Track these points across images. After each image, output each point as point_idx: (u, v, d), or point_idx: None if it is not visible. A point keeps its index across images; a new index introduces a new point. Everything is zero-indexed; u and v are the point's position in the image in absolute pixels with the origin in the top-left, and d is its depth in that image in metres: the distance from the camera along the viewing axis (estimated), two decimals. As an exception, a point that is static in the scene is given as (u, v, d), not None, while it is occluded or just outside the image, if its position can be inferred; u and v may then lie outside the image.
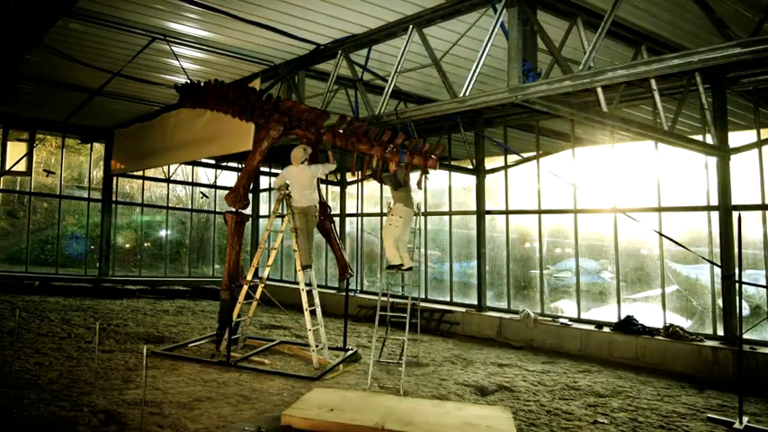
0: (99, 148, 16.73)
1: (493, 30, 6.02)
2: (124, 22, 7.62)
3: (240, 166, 17.60)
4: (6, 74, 9.99)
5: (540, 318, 10.41)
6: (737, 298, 7.10)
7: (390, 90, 7.30)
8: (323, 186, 15.01)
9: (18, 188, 18.25)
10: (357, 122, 7.58)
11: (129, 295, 14.56)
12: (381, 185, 7.50)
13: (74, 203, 18.70)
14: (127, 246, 20.21)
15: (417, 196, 7.72)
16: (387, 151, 7.06)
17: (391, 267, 7.76)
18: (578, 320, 10.13)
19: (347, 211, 15.36)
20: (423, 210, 13.13)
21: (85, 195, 17.72)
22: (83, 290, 14.27)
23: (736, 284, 7.21)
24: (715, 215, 8.74)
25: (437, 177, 12.82)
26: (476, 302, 11.54)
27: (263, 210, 18.46)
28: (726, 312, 8.26)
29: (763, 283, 8.76)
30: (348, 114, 8.58)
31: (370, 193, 14.69)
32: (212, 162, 17.91)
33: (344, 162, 13.83)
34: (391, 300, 8.44)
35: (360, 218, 14.82)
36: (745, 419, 6.10)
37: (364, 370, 7.80)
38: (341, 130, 7.45)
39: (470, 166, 11.87)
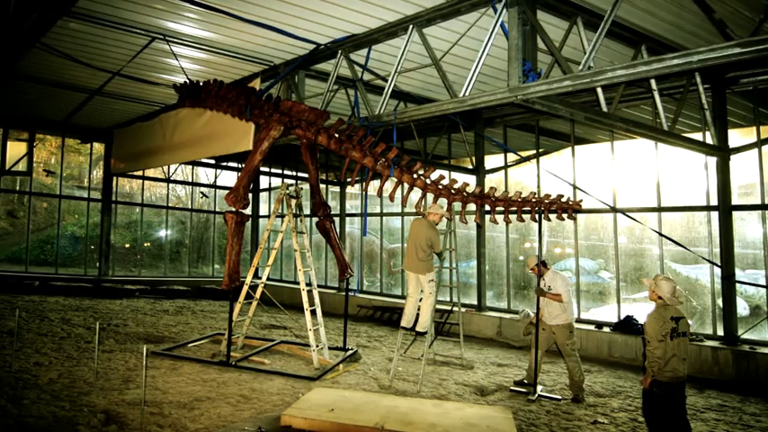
0: (99, 148, 16.73)
1: (493, 30, 6.02)
2: (124, 22, 7.62)
3: (240, 166, 17.62)
4: (6, 74, 9.99)
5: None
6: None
7: (390, 90, 7.29)
8: (323, 186, 15.02)
9: (18, 188, 18.29)
10: (354, 128, 7.56)
11: (128, 295, 14.56)
12: (381, 190, 7.45)
13: (74, 203, 18.73)
14: (127, 245, 20.23)
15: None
16: (378, 163, 7.06)
17: None
18: (578, 320, 10.11)
19: (347, 211, 15.38)
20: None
21: (85, 195, 17.75)
22: (83, 290, 14.26)
23: (736, 284, 7.22)
24: (715, 215, 8.74)
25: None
26: (476, 302, 11.54)
27: (263, 210, 18.47)
28: (726, 312, 8.26)
29: (763, 283, 8.76)
30: (346, 116, 8.57)
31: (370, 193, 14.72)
32: (212, 162, 17.92)
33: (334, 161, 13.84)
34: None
35: (362, 218, 14.83)
36: (539, 388, 6.91)
37: (364, 370, 7.81)
38: (336, 134, 7.43)
39: (470, 166, 11.87)
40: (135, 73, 9.79)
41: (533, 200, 6.28)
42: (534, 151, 11.41)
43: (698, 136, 9.37)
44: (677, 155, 9.32)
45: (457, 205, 6.87)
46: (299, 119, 7.80)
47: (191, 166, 18.24)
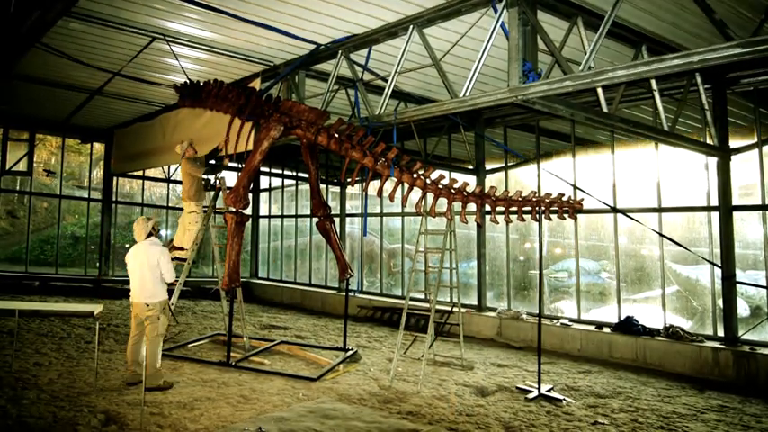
0: (99, 148, 16.72)
1: (493, 30, 6.01)
2: (124, 22, 7.62)
3: (240, 166, 17.59)
4: (6, 74, 9.98)
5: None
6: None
7: (390, 90, 7.29)
8: (323, 186, 15.01)
9: (18, 188, 18.29)
10: (354, 128, 7.56)
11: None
12: (381, 190, 7.42)
13: (74, 203, 18.72)
14: (127, 245, 20.20)
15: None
16: (378, 163, 7.06)
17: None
18: (578, 320, 10.12)
19: (347, 212, 15.37)
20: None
21: (85, 195, 17.75)
22: (83, 290, 14.25)
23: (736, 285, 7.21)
24: (715, 216, 8.73)
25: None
26: (476, 303, 11.53)
27: (263, 210, 18.47)
28: (726, 313, 8.25)
29: (764, 283, 8.75)
30: (347, 116, 8.58)
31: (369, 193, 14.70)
32: (212, 162, 17.87)
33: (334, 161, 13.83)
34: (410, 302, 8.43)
35: (362, 218, 14.82)
36: (544, 388, 6.93)
37: (364, 370, 7.81)
38: (336, 134, 7.42)
39: (470, 167, 11.86)
40: (135, 73, 9.79)
41: (534, 199, 6.28)
42: (534, 152, 11.40)
43: (698, 136, 9.36)
44: (678, 155, 9.31)
45: (457, 205, 6.85)
46: (299, 119, 7.79)
47: (191, 166, 18.20)
